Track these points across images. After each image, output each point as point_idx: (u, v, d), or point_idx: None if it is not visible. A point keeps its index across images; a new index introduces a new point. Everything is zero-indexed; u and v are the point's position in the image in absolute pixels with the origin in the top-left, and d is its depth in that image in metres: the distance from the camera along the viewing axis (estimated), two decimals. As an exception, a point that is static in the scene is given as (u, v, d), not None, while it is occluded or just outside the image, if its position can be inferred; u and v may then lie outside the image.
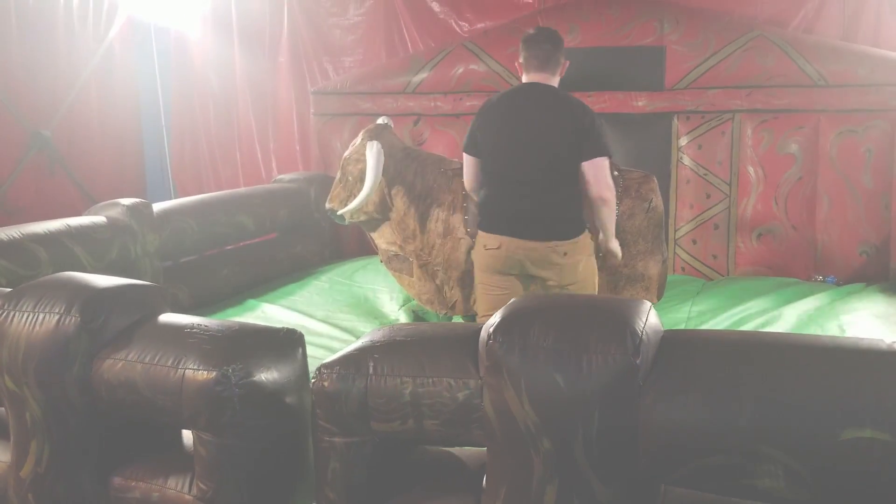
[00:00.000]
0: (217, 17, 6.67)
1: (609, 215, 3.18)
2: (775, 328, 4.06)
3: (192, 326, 2.19)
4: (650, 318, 1.81)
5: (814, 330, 3.99)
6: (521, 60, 3.22)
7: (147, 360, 2.13)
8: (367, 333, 2.13)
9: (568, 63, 3.28)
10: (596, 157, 3.06)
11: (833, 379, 1.67)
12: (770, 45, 5.18)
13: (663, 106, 5.38)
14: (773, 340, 1.82)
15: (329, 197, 4.12)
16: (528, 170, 3.10)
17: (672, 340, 1.82)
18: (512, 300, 1.94)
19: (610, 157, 3.15)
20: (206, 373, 2.01)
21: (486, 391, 1.80)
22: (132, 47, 6.74)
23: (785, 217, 5.24)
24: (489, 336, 1.79)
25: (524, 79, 3.24)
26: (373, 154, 3.75)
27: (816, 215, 5.18)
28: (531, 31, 3.27)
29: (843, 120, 5.07)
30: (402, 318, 4.33)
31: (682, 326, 4.16)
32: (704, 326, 4.14)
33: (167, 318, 2.31)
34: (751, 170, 5.27)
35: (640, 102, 5.40)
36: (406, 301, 4.58)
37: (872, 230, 5.07)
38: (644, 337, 1.72)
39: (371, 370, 1.92)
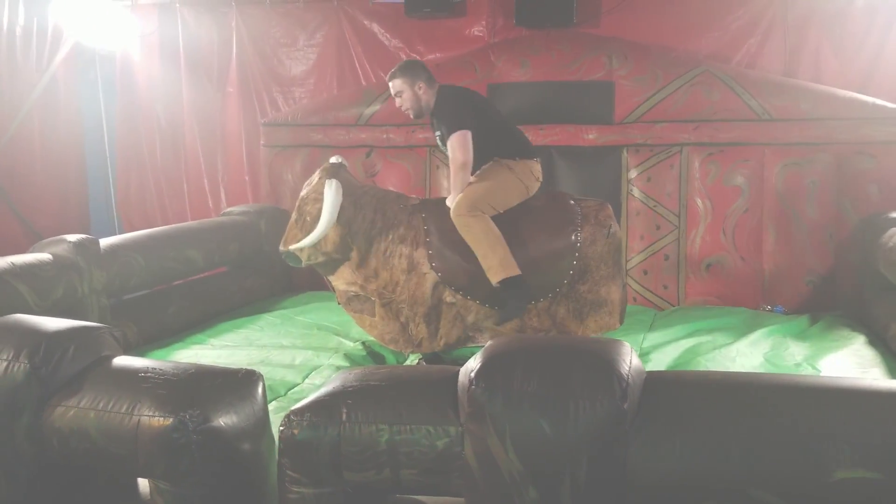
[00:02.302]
0: (164, 45, 6.54)
1: None
2: (730, 357, 4.10)
3: (146, 370, 2.10)
4: (633, 361, 1.79)
5: (771, 361, 4.04)
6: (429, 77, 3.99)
7: (100, 406, 2.03)
8: (336, 376, 2.06)
9: None
10: None
11: (821, 419, 1.67)
12: (715, 80, 5.32)
13: (613, 139, 5.45)
14: (757, 381, 1.82)
15: (284, 239, 3.97)
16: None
17: (656, 383, 1.80)
18: (490, 342, 1.90)
19: None
20: (162, 419, 1.93)
21: (467, 439, 1.75)
22: (77, 76, 6.56)
23: (733, 248, 5.34)
24: (470, 381, 1.75)
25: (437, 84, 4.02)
26: (331, 192, 3.69)
27: (763, 246, 5.30)
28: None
29: (787, 153, 5.21)
30: (358, 352, 4.23)
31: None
32: (656, 356, 4.16)
33: (121, 361, 2.21)
34: (699, 202, 5.36)
35: (591, 136, 5.46)
36: (362, 335, 4.50)
37: (818, 260, 5.20)
38: (630, 380, 1.70)
39: (344, 417, 1.86)
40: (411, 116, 4.10)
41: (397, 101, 4.06)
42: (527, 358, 1.77)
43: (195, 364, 2.15)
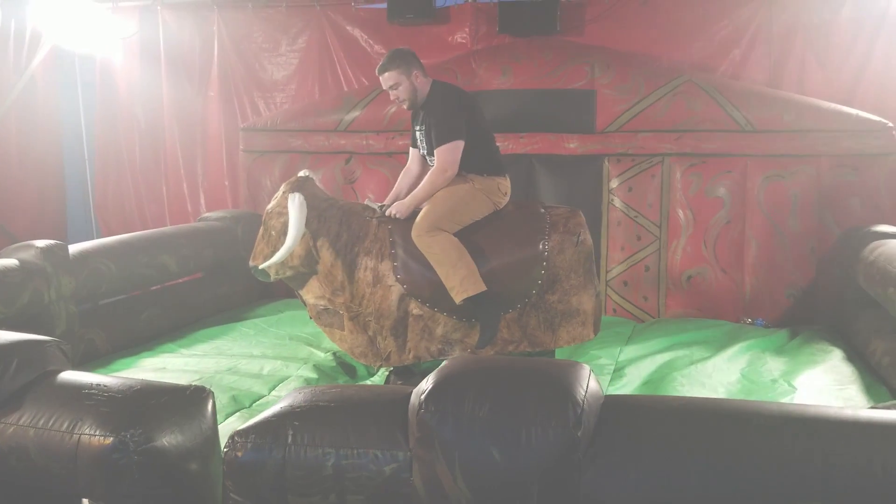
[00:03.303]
0: (144, 48, 6.47)
1: None
2: (706, 373, 4.05)
3: (90, 386, 2.02)
4: (591, 385, 1.72)
5: (747, 377, 3.99)
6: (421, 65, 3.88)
7: (40, 424, 1.96)
8: (287, 395, 1.98)
9: None
10: None
11: (781, 449, 1.61)
12: (698, 90, 5.27)
13: (594, 148, 5.40)
14: (717, 408, 1.76)
15: (252, 254, 3.93)
16: None
17: (613, 408, 1.74)
18: (445, 362, 1.83)
19: None
20: (102, 438, 1.87)
21: (415, 465, 1.68)
22: (55, 78, 6.47)
23: (714, 260, 5.29)
24: (420, 404, 1.68)
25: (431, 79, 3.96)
26: (294, 206, 3.63)
27: (745, 258, 5.25)
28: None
29: (769, 164, 5.17)
30: (328, 363, 4.15)
31: (611, 370, 4.12)
32: (631, 370, 4.10)
33: (66, 376, 2.13)
34: (680, 213, 5.32)
35: (572, 144, 5.41)
36: (334, 346, 4.42)
37: (799, 273, 5.16)
38: (585, 406, 1.64)
39: (290, 439, 1.78)
40: (406, 108, 3.97)
41: (392, 94, 3.88)
42: (479, 381, 1.71)
43: (142, 380, 2.07)
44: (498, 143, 4.14)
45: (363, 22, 6.06)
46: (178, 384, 2.08)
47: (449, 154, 3.71)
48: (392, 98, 3.93)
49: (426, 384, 1.72)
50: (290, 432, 1.78)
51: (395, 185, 4.21)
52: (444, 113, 3.79)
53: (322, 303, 3.86)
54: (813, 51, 5.48)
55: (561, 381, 1.70)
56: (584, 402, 1.66)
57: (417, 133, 4.00)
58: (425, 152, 3.97)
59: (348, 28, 6.10)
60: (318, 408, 1.82)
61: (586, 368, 1.82)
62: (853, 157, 5.06)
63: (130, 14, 6.45)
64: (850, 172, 5.07)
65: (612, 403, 1.77)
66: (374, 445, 1.73)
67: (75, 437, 1.89)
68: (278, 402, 1.94)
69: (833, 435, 1.66)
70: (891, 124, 5.07)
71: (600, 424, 1.69)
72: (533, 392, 1.67)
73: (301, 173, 3.92)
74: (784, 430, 1.67)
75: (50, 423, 1.94)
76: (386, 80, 3.86)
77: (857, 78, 5.43)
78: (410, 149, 4.18)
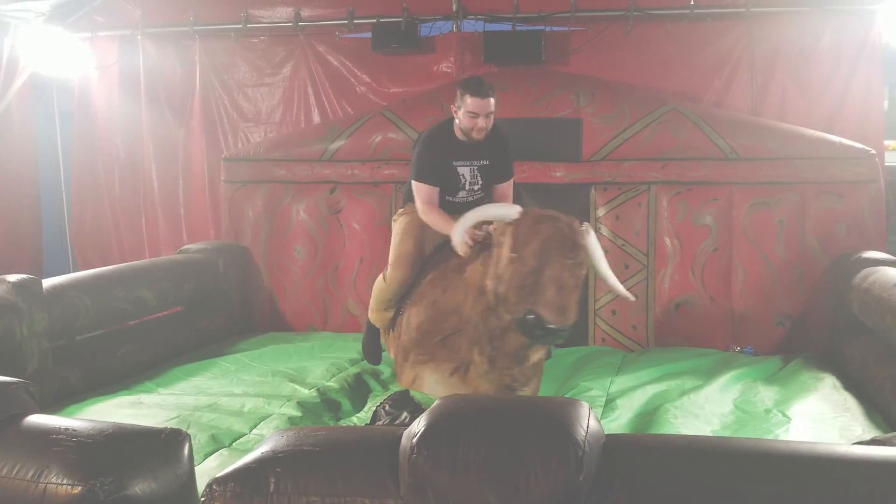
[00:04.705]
0: (124, 77, 6.39)
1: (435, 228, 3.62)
2: (698, 403, 3.97)
3: (58, 431, 1.91)
4: (591, 424, 1.64)
5: (741, 408, 3.92)
6: None
7: (3, 472, 1.85)
8: (268, 438, 1.88)
9: (455, 106, 3.75)
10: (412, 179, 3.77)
11: (791, 491, 1.54)
12: (683, 118, 5.26)
13: (581, 177, 5.36)
14: (723, 448, 1.68)
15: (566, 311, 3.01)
16: None
17: (615, 448, 1.65)
18: (437, 401, 1.74)
19: (419, 181, 3.69)
20: (70, 487, 1.77)
21: (408, 513, 1.58)
22: (32, 106, 6.37)
23: (702, 288, 5.25)
24: (412, 447, 1.59)
25: None
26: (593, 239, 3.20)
27: (732, 286, 5.21)
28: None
29: (754, 192, 5.15)
30: (312, 400, 4.02)
31: (602, 402, 4.03)
32: (623, 402, 4.02)
33: (33, 420, 2.01)
34: (667, 241, 5.28)
35: (559, 173, 5.37)
36: (317, 382, 4.31)
37: (787, 301, 5.12)
38: (587, 447, 1.55)
39: (272, 487, 1.68)
40: (479, 138, 3.69)
41: (483, 121, 3.64)
42: (475, 422, 1.62)
43: (113, 424, 1.96)
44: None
45: (347, 51, 6.03)
46: (152, 427, 1.97)
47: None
48: (480, 126, 3.67)
49: (418, 426, 1.63)
50: (273, 479, 1.67)
51: (448, 220, 3.56)
52: (511, 149, 3.95)
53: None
54: (794, 79, 5.52)
55: (560, 420, 1.62)
56: (585, 443, 1.57)
57: (463, 167, 3.77)
58: (472, 185, 3.79)
59: (332, 57, 6.06)
60: (303, 452, 1.72)
61: (585, 406, 1.74)
62: (838, 184, 5.05)
63: (110, 43, 6.39)
64: (836, 200, 5.07)
65: (614, 444, 1.69)
66: (362, 493, 1.63)
67: (41, 486, 1.78)
68: (259, 445, 1.84)
69: (842, 473, 1.59)
70: (874, 152, 5.09)
71: (602, 467, 1.61)
72: (531, 433, 1.59)
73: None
74: (795, 470, 1.60)
75: (14, 472, 1.82)
76: (490, 105, 3.66)
77: (838, 105, 5.47)
78: (434, 187, 3.72)
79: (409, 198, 3.84)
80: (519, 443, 1.56)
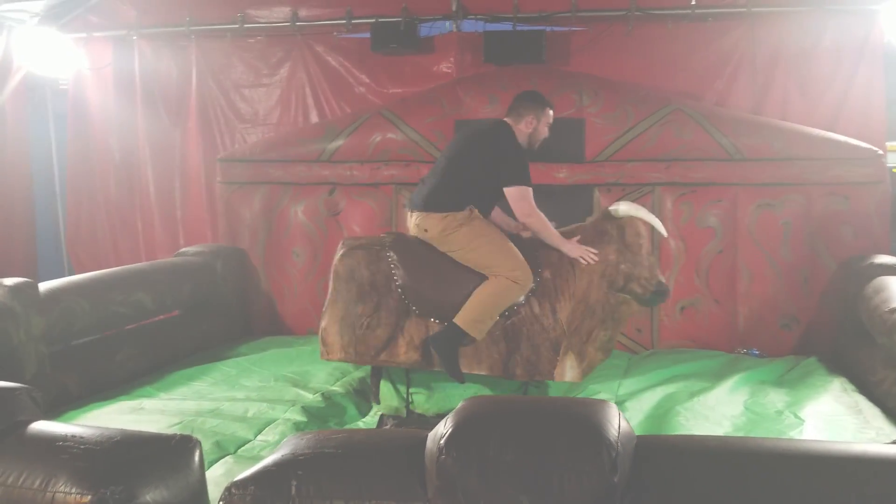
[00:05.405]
0: (119, 78, 6.31)
1: (540, 232, 3.79)
2: (708, 405, 3.92)
3: (65, 438, 1.84)
4: (622, 425, 1.58)
5: (751, 409, 3.87)
6: None
7: (10, 481, 1.77)
8: (287, 441, 1.81)
9: (533, 117, 3.89)
10: (513, 184, 3.73)
11: (827, 492, 1.48)
12: (687, 118, 5.22)
13: (584, 178, 5.31)
14: (756, 448, 1.62)
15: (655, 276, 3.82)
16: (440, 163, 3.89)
17: (648, 449, 1.59)
18: (462, 403, 1.68)
19: (526, 185, 3.76)
20: (79, 496, 1.70)
21: (436, 517, 1.52)
22: (26, 108, 6.28)
23: (707, 290, 5.20)
24: (440, 449, 1.52)
25: None
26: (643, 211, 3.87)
27: (737, 288, 5.17)
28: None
29: (759, 193, 5.11)
30: (317, 405, 3.95)
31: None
32: (633, 404, 3.97)
33: (38, 427, 1.94)
34: (672, 243, 5.23)
35: (562, 174, 5.32)
36: (321, 386, 4.23)
37: (792, 303, 5.08)
38: (620, 448, 1.49)
39: (294, 491, 1.61)
40: (536, 147, 4.00)
41: (547, 131, 4.00)
42: (504, 423, 1.56)
43: (122, 430, 1.89)
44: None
45: (346, 51, 5.97)
46: (162, 434, 1.90)
47: None
48: (542, 136, 4.00)
49: (444, 427, 1.57)
50: (294, 483, 1.61)
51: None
52: None
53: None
54: (795, 79, 5.48)
55: (591, 421, 1.56)
56: (618, 443, 1.51)
57: None
58: None
59: (330, 58, 6.00)
60: (324, 455, 1.65)
61: (614, 407, 1.68)
62: (843, 186, 5.02)
63: (104, 45, 6.30)
64: (842, 201, 5.03)
65: (646, 445, 1.63)
66: (388, 496, 1.56)
67: (49, 494, 1.70)
68: (277, 448, 1.77)
69: (884, 474, 1.54)
70: (880, 152, 5.05)
71: (635, 468, 1.55)
72: (563, 434, 1.52)
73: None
74: (829, 471, 1.55)
75: (20, 481, 1.75)
76: (553, 116, 4.01)
77: (839, 105, 5.42)
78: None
79: (457, 204, 3.73)
80: (551, 443, 1.50)
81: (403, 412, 3.88)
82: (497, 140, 3.80)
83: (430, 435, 1.61)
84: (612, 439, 1.51)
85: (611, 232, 3.79)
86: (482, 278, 3.67)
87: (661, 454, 1.62)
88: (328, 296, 3.92)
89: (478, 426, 1.54)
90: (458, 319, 3.61)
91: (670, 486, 1.54)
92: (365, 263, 3.78)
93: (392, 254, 3.73)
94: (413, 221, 3.82)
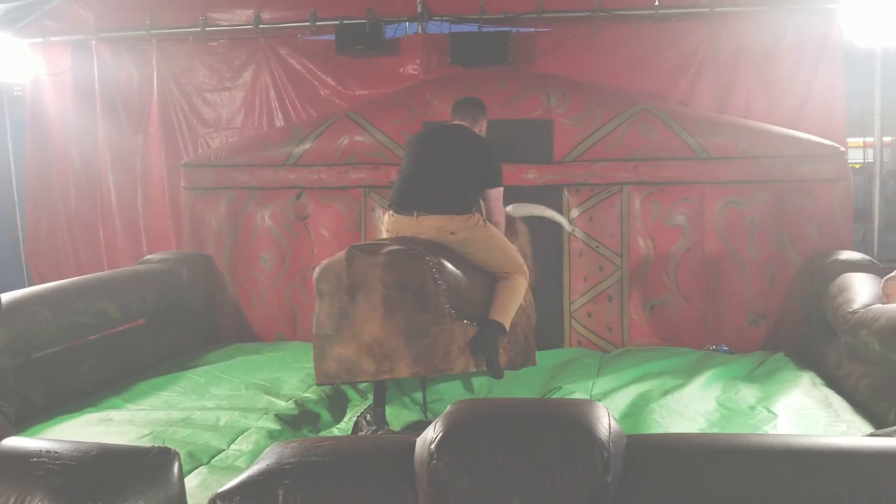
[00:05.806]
0: (78, 84, 6.17)
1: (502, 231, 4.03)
2: (682, 402, 3.95)
3: (39, 454, 1.77)
4: (613, 425, 1.57)
5: (724, 405, 3.90)
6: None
7: (-18, 500, 1.69)
8: (271, 450, 1.77)
9: (484, 122, 4.17)
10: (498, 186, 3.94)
11: (816, 485, 1.48)
12: (653, 118, 5.25)
13: (553, 178, 5.31)
14: (744, 444, 1.63)
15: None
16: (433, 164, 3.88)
17: (638, 449, 1.58)
18: (450, 407, 1.65)
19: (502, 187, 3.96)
20: (55, 515, 1.61)
21: (428, 523, 1.49)
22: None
23: (676, 288, 5.24)
24: (430, 454, 1.49)
25: None
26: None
27: (706, 286, 5.21)
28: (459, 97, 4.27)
29: (725, 191, 5.16)
30: (290, 412, 3.89)
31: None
32: (608, 403, 3.96)
33: (9, 443, 1.87)
34: (641, 241, 5.26)
35: (531, 175, 5.32)
36: (293, 393, 4.17)
37: (760, 300, 5.14)
38: (611, 448, 1.48)
39: (281, 500, 1.57)
40: None
41: None
42: (494, 425, 1.54)
43: (98, 444, 1.82)
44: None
45: (310, 54, 5.91)
46: (139, 446, 1.84)
47: None
48: None
49: (434, 432, 1.54)
50: (281, 492, 1.57)
51: None
52: None
53: None
54: (758, 78, 5.55)
55: (582, 421, 1.54)
56: (609, 443, 1.50)
57: None
58: None
59: (294, 60, 5.94)
60: (311, 463, 1.61)
61: (603, 408, 1.67)
62: (808, 182, 5.08)
63: (62, 49, 6.17)
64: (806, 197, 5.10)
65: (636, 444, 1.62)
66: (378, 503, 1.53)
67: (24, 513, 1.63)
68: (261, 458, 1.72)
69: (868, 466, 1.55)
70: (843, 149, 5.14)
71: (627, 468, 1.54)
72: (554, 435, 1.51)
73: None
74: (818, 464, 1.55)
75: (-5, 499, 1.68)
76: None
77: (801, 104, 5.51)
78: None
79: (472, 206, 3.78)
80: (542, 445, 1.49)
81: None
82: (483, 143, 3.97)
83: (419, 440, 1.58)
84: (603, 439, 1.50)
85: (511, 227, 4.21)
86: (493, 278, 3.75)
87: (652, 453, 1.61)
88: (363, 310, 3.40)
89: (468, 429, 1.52)
90: (498, 317, 3.65)
91: (662, 485, 1.53)
92: (415, 269, 3.46)
93: (430, 258, 3.54)
94: (426, 224, 3.68)
